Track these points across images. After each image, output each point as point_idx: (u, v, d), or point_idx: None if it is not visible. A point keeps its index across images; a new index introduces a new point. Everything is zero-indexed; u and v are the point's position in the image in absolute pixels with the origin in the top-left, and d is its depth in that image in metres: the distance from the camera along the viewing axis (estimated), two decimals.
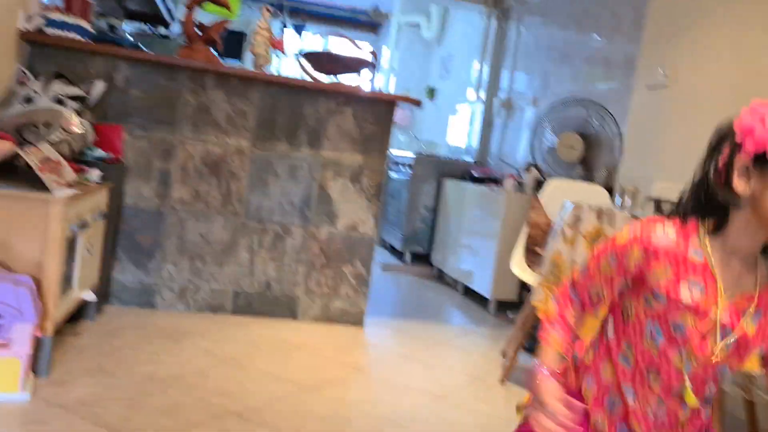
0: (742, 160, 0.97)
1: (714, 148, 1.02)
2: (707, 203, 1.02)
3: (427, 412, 2.30)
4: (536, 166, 3.72)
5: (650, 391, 1.07)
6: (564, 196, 2.79)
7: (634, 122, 3.45)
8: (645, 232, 1.04)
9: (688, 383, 1.04)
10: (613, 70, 3.85)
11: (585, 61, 4.17)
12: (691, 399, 1.04)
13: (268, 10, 3.11)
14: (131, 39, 3.29)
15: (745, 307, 1.00)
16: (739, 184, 0.97)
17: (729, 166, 0.98)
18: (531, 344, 3.28)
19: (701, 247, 1.01)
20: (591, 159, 3.44)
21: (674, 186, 2.92)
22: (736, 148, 0.97)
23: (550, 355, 1.11)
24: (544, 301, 2.23)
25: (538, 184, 4.03)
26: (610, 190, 3.37)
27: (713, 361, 1.01)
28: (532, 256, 2.97)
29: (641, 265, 1.03)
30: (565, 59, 4.42)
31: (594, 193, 3.14)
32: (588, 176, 3.48)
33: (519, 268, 2.93)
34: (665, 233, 1.03)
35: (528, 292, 4.02)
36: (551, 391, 1.06)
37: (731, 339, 1.00)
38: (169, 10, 5.21)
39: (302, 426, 2.04)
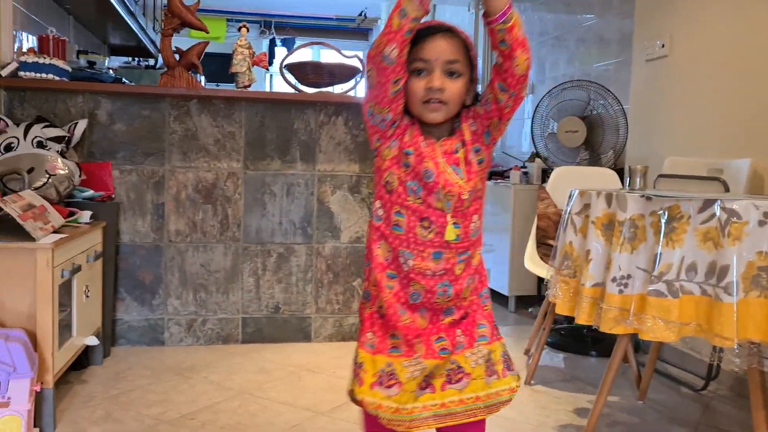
0: None
1: None
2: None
3: None
4: (539, 155, 3.60)
5: (426, 245, 1.27)
6: (571, 184, 2.67)
7: (637, 98, 3.33)
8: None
9: (449, 218, 1.26)
10: (608, 47, 3.73)
11: (579, 42, 4.06)
12: (451, 234, 1.26)
13: (245, 27, 3.02)
14: (112, 74, 3.22)
15: (452, 144, 1.28)
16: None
17: None
18: (554, 340, 3.16)
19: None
20: (595, 142, 3.32)
21: (685, 160, 2.79)
22: None
23: None
24: (560, 297, 2.12)
25: (544, 174, 3.92)
26: (620, 172, 3.24)
27: (461, 189, 1.26)
28: (545, 249, 2.85)
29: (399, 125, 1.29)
30: (559, 43, 4.31)
31: (602, 177, 3.02)
32: (594, 160, 3.36)
33: (532, 262, 2.82)
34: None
35: (546, 286, 3.90)
36: None
37: (460, 158, 1.28)
38: (153, 42, 5.17)
39: None
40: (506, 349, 1.39)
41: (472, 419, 1.33)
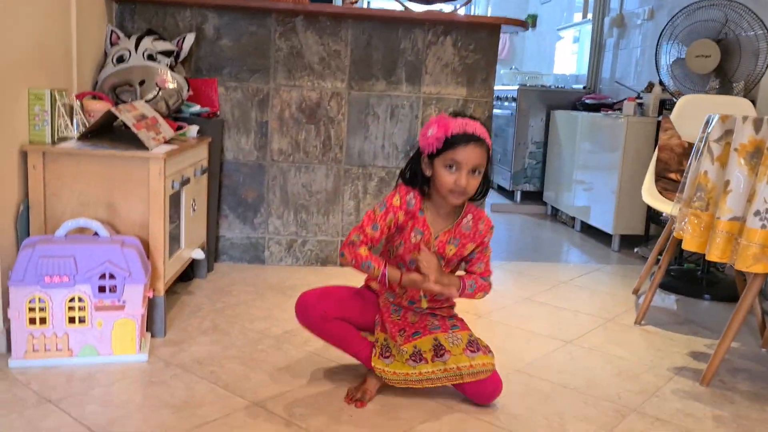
0: (424, 154, 1.69)
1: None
2: (421, 180, 1.71)
3: (558, 360, 2.10)
4: (661, 83, 3.32)
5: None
6: (700, 114, 2.44)
7: None
8: (402, 201, 1.70)
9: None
10: None
11: None
12: (424, 303, 1.81)
13: None
14: None
15: (447, 239, 1.73)
16: (426, 169, 1.69)
17: (421, 157, 1.70)
18: (665, 281, 2.98)
19: (423, 207, 1.72)
20: (729, 68, 3.02)
21: None
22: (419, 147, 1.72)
23: (377, 267, 1.69)
24: (689, 232, 1.95)
25: (662, 105, 3.63)
26: (754, 104, 2.95)
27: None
28: (665, 183, 2.65)
29: (403, 222, 1.72)
30: None
31: (736, 107, 2.75)
32: (725, 89, 3.07)
33: (650, 196, 2.63)
34: (411, 200, 1.70)
35: (657, 224, 3.68)
36: (396, 272, 1.71)
37: (441, 260, 1.74)
38: None
39: None
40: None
41: (455, 382, 1.72)
